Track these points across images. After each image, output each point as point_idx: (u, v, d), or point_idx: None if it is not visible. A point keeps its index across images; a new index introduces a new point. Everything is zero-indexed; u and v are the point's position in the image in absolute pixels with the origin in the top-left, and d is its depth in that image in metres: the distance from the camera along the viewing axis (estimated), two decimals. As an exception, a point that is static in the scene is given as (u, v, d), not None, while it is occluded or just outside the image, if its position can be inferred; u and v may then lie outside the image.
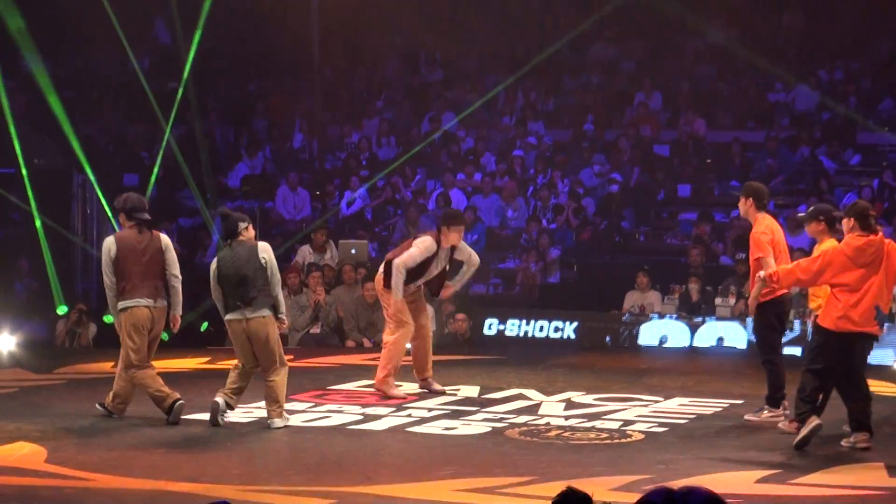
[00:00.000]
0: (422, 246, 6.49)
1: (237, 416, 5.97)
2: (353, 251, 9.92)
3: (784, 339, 6.52)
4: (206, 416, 5.77)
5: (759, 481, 4.76)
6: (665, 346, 9.31)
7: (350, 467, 4.96)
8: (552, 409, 6.29)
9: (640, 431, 5.67)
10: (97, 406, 5.97)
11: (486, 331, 9.71)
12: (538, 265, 10.63)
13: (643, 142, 12.17)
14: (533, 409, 6.26)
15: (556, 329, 9.62)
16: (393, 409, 6.26)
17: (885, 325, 6.60)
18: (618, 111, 12.82)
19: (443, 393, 6.62)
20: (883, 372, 7.38)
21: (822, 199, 9.92)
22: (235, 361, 5.86)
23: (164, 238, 6.00)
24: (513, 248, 11.23)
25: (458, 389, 6.85)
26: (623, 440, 5.51)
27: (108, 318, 6.10)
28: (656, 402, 6.53)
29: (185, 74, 10.47)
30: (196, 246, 10.92)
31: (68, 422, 5.89)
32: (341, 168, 12.48)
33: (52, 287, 9.35)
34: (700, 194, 11.59)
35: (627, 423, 5.90)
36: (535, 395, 6.71)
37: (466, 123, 12.77)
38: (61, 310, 9.20)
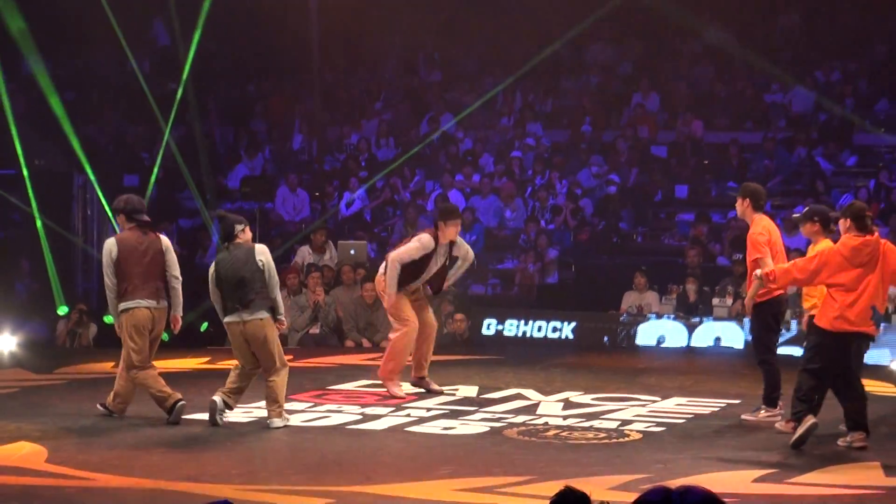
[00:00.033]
0: (419, 242, 6.51)
1: (237, 415, 5.98)
2: (352, 252, 9.95)
3: (781, 340, 6.57)
4: (206, 416, 5.79)
5: (756, 480, 4.77)
6: (663, 346, 9.35)
7: (349, 467, 4.97)
8: (550, 408, 6.31)
9: (637, 431, 5.69)
10: (98, 406, 5.99)
11: (484, 331, 9.74)
12: (536, 266, 10.67)
13: (641, 143, 12.21)
14: (531, 409, 6.27)
15: (555, 329, 9.65)
16: (392, 408, 6.28)
17: (882, 324, 6.63)
18: (615, 112, 12.86)
19: (440, 392, 6.63)
20: (880, 372, 7.42)
21: (818, 199, 9.97)
22: (236, 362, 5.88)
23: (165, 239, 6.02)
24: (511, 248, 11.26)
25: (456, 389, 6.87)
26: (621, 440, 5.53)
27: (108, 319, 6.13)
28: (654, 401, 6.55)
29: (185, 76, 10.49)
30: (196, 246, 10.96)
31: (69, 422, 5.91)
32: (340, 169, 12.51)
33: (52, 287, 9.38)
34: (697, 195, 11.63)
35: (625, 422, 5.91)
36: (533, 394, 6.73)
37: (465, 125, 12.81)
38: (62, 310, 9.23)
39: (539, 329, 9.69)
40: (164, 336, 6.09)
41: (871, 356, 6.28)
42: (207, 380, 6.73)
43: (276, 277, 5.76)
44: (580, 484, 2.13)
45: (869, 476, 4.84)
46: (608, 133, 12.49)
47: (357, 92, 13.77)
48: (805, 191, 11.03)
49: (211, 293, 5.79)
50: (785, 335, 7.05)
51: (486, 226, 11.42)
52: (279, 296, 5.77)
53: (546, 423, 5.89)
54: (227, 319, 5.73)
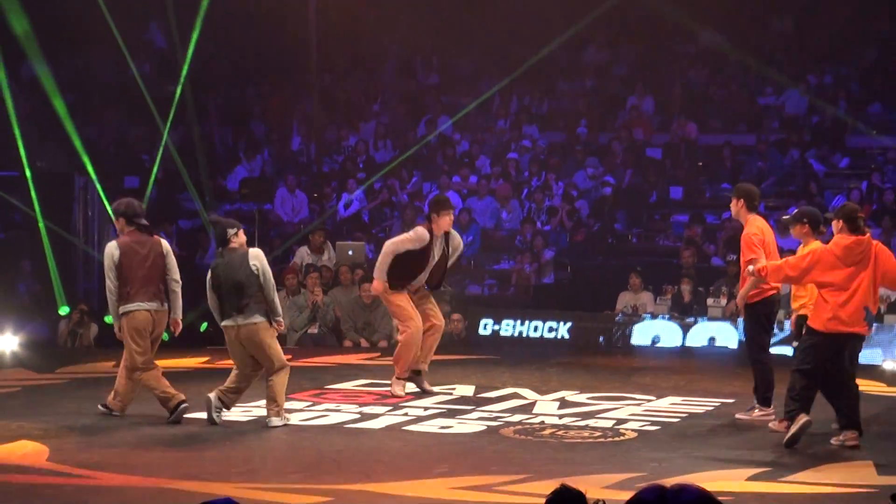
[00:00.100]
0: (414, 234, 6.56)
1: (236, 415, 6.02)
2: (350, 252, 10.00)
3: (774, 340, 6.63)
4: (205, 415, 5.82)
5: (749, 479, 4.79)
6: (658, 345, 9.41)
7: (348, 465, 5.00)
8: (546, 407, 6.35)
9: (632, 430, 5.73)
10: (99, 407, 6.03)
11: (481, 331, 9.80)
12: (532, 266, 10.73)
13: (636, 145, 12.28)
14: (527, 408, 6.32)
15: (551, 329, 9.71)
16: (390, 408, 6.32)
17: (873, 324, 6.70)
18: (611, 115, 12.93)
19: (432, 393, 6.66)
20: (872, 371, 7.48)
21: (811, 201, 10.04)
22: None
23: (165, 243, 6.08)
24: (507, 249, 11.32)
25: (453, 389, 6.92)
26: (616, 439, 5.56)
27: (108, 319, 6.18)
28: (649, 401, 6.60)
29: (183, 78, 10.53)
30: (195, 247, 11.00)
31: (70, 420, 5.94)
32: (339, 171, 12.57)
33: (54, 288, 9.41)
34: (692, 196, 11.70)
35: (620, 421, 5.96)
36: (529, 394, 6.78)
37: (462, 127, 12.88)
38: (63, 310, 9.27)
39: (535, 329, 9.75)
40: (164, 336, 6.14)
41: (863, 355, 6.32)
42: (207, 379, 6.76)
43: (272, 280, 5.78)
44: (576, 482, 2.14)
45: (861, 475, 4.88)
46: (603, 135, 12.56)
47: (355, 94, 13.83)
48: (798, 192, 11.10)
49: (209, 299, 5.85)
50: (778, 335, 7.11)
51: (483, 227, 11.48)
52: (276, 298, 5.80)
53: (542, 422, 5.93)
54: (223, 324, 5.79)
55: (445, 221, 6.55)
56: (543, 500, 2.08)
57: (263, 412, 5.90)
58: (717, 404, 6.50)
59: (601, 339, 9.60)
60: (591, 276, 10.67)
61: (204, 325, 8.81)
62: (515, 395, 6.72)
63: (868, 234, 5.44)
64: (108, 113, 12.46)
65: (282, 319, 5.87)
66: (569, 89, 13.40)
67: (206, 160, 11.22)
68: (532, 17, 12.39)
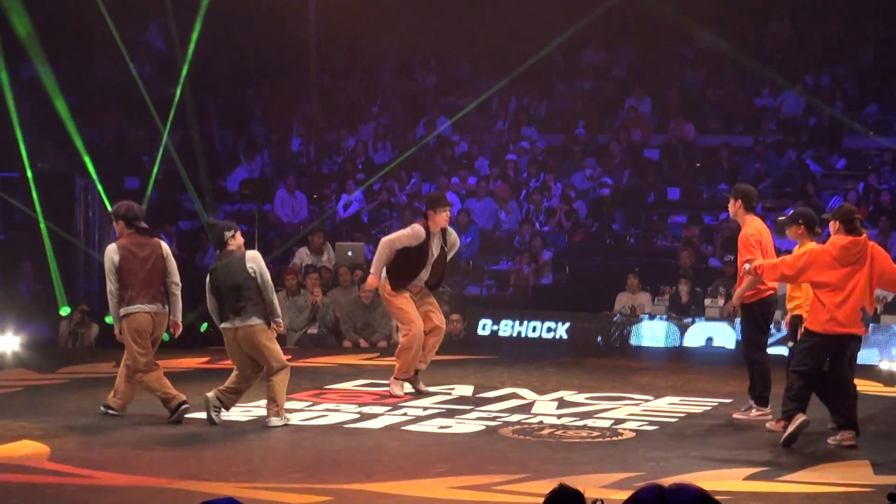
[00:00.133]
0: (411, 230, 6.60)
1: (237, 414, 6.05)
2: (349, 253, 10.03)
3: (771, 340, 6.65)
4: (205, 415, 5.85)
5: (747, 478, 4.81)
6: (655, 345, 9.45)
7: (347, 465, 5.02)
8: (545, 407, 6.38)
9: (631, 430, 5.76)
10: (101, 408, 6.05)
11: (480, 331, 9.84)
12: (531, 267, 10.76)
13: (634, 146, 12.32)
14: (526, 408, 6.35)
15: (549, 329, 9.75)
16: (389, 408, 6.35)
17: (871, 325, 6.73)
18: (609, 116, 12.98)
19: (427, 393, 6.69)
20: (868, 371, 7.51)
21: (808, 202, 10.08)
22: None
23: (165, 245, 6.11)
24: (506, 250, 11.36)
25: (452, 389, 6.95)
26: (614, 438, 5.59)
27: (109, 319, 6.20)
28: (647, 401, 6.63)
29: (182, 79, 10.55)
30: (195, 248, 11.03)
31: (71, 420, 5.97)
32: (338, 172, 12.61)
33: (55, 288, 9.44)
34: (689, 197, 11.74)
35: (619, 421, 5.98)
36: (528, 394, 6.81)
37: (460, 128, 12.92)
38: (64, 311, 9.29)
39: (534, 329, 9.78)
40: (165, 336, 6.17)
41: (860, 356, 6.36)
42: (207, 379, 6.79)
43: (270, 283, 5.79)
44: (574, 482, 2.15)
45: (858, 474, 4.90)
46: (602, 136, 12.60)
47: (354, 95, 13.87)
48: (795, 193, 11.14)
49: (208, 301, 5.88)
50: (776, 335, 7.14)
51: (482, 228, 11.51)
52: (275, 299, 5.81)
53: (541, 422, 5.95)
54: (221, 326, 5.83)
55: (442, 218, 6.58)
56: (542, 500, 2.09)
57: (264, 412, 5.93)
58: (714, 404, 6.53)
59: (599, 339, 9.64)
60: (589, 276, 10.71)
61: (204, 326, 8.83)
62: (514, 396, 6.75)
63: (864, 235, 5.47)
64: (109, 114, 12.49)
65: (281, 321, 5.89)
66: (567, 91, 13.44)
67: (207, 161, 11.25)
68: (530, 19, 12.44)
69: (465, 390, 6.93)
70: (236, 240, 5.84)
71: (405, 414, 6.18)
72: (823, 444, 5.41)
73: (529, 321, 9.80)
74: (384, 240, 6.63)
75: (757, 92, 12.77)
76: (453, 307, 9.47)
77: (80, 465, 5.01)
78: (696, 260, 10.28)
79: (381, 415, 6.15)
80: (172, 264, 6.02)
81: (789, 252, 6.39)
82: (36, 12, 9.99)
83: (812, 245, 5.60)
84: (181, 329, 6.12)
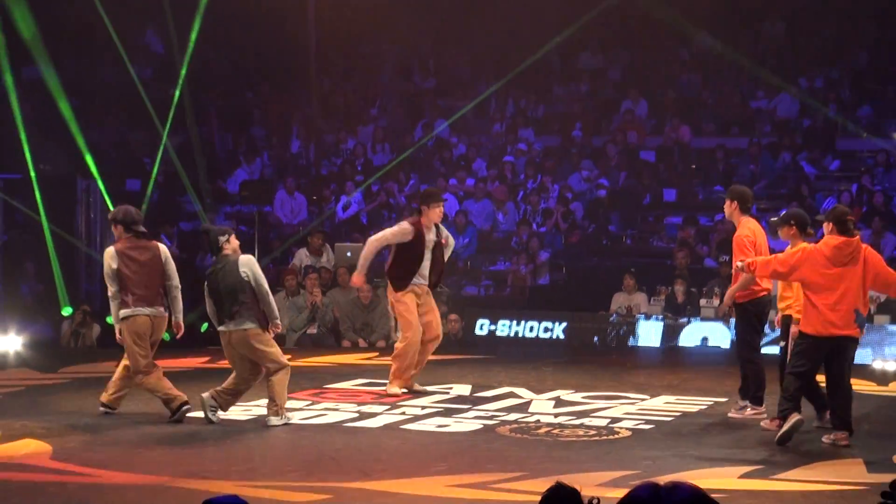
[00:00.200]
0: (398, 227, 6.66)
1: (237, 414, 6.10)
2: (348, 254, 10.08)
3: (765, 340, 6.71)
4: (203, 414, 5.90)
5: (742, 476, 4.82)
6: (651, 345, 9.51)
7: (346, 464, 5.06)
8: (542, 406, 6.43)
9: (627, 428, 5.81)
10: (100, 409, 6.10)
11: (477, 331, 9.89)
12: (528, 267, 10.82)
13: (630, 148, 12.39)
14: (523, 407, 6.39)
15: (546, 329, 9.81)
16: (388, 407, 6.40)
17: (865, 325, 6.79)
18: (605, 118, 13.05)
19: (424, 392, 6.74)
20: (862, 370, 7.57)
21: (803, 203, 10.15)
22: (237, 365, 6.01)
23: (164, 248, 6.15)
24: (503, 250, 11.42)
25: (450, 388, 7.01)
26: (611, 437, 5.63)
27: (110, 320, 6.26)
28: (643, 400, 6.68)
29: (181, 81, 10.59)
30: (196, 249, 11.08)
31: (73, 419, 6.01)
32: (337, 173, 12.66)
33: (57, 289, 9.48)
34: (685, 198, 11.81)
35: (615, 420, 6.03)
36: (525, 393, 6.86)
37: (458, 130, 12.98)
38: (66, 311, 9.33)
39: (531, 329, 9.84)
40: (165, 336, 6.21)
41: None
42: (207, 379, 6.82)
43: (265, 286, 5.81)
44: (571, 480, 2.15)
45: (852, 472, 4.95)
46: (598, 138, 12.67)
47: (353, 98, 13.92)
48: (790, 194, 11.21)
49: (207, 305, 5.94)
50: (770, 335, 7.19)
51: (479, 228, 11.57)
52: (272, 302, 5.82)
53: (538, 421, 6.00)
54: (218, 329, 5.89)
55: (436, 213, 6.64)
56: (539, 498, 2.09)
57: (264, 411, 5.97)
58: (709, 403, 6.59)
59: (596, 339, 9.70)
60: (585, 276, 10.77)
61: (204, 326, 8.88)
62: (511, 395, 6.80)
63: (857, 237, 5.51)
64: (110, 116, 12.53)
65: (279, 322, 5.92)
66: (564, 93, 13.51)
67: (207, 163, 11.31)
68: (528, 23, 12.51)
69: (463, 389, 6.98)
70: (231, 243, 5.88)
71: (404, 413, 6.22)
72: (818, 442, 5.46)
73: (526, 321, 9.86)
74: (370, 239, 6.73)
75: (752, 94, 12.85)
76: (451, 307, 9.52)
77: (81, 464, 5.05)
78: (691, 260, 10.34)
79: (380, 414, 6.20)
80: (172, 267, 6.06)
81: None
82: (38, 14, 10.03)
83: (805, 245, 5.64)
84: (183, 329, 6.17)
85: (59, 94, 9.77)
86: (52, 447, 5.36)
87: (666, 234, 11.33)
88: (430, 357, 7.04)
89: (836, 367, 5.41)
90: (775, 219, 6.01)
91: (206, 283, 5.89)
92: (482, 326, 9.92)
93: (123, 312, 5.94)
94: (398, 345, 6.71)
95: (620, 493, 1.98)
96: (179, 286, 6.07)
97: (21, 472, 4.97)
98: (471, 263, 11.21)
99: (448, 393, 6.86)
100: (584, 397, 6.74)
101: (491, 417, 6.10)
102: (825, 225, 5.54)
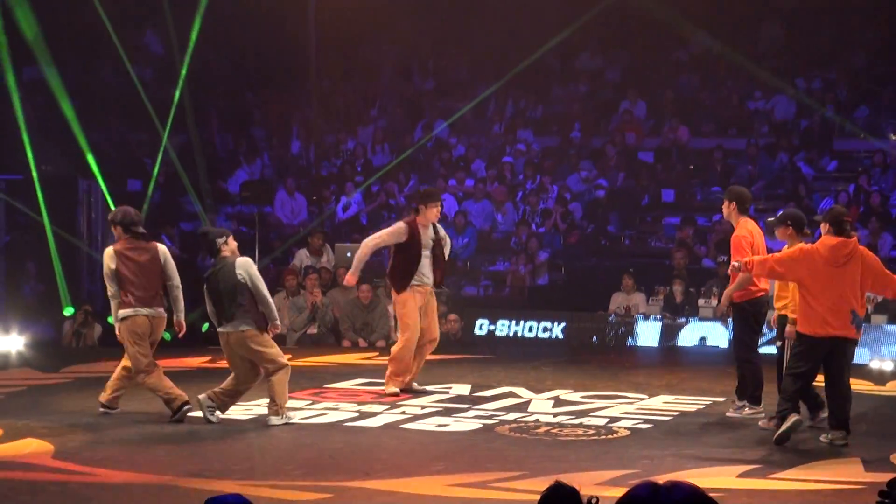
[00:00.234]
0: (393, 228, 6.72)
1: (238, 413, 6.13)
2: (348, 254, 10.10)
3: (763, 340, 6.74)
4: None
5: (740, 476, 4.84)
6: (650, 345, 9.54)
7: (346, 463, 5.08)
8: (541, 406, 6.46)
9: (625, 428, 5.84)
10: (99, 409, 6.13)
11: (476, 331, 9.92)
12: (527, 267, 10.86)
13: (628, 149, 12.44)
14: (522, 407, 6.42)
15: (545, 329, 9.84)
16: (387, 406, 6.43)
17: (862, 326, 6.83)
18: (604, 119, 13.09)
19: (423, 392, 6.78)
20: (859, 370, 7.60)
21: (800, 203, 10.19)
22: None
23: (162, 248, 6.16)
24: (503, 251, 11.46)
25: (450, 388, 7.04)
26: (609, 436, 5.66)
27: (112, 320, 6.29)
28: (641, 399, 6.72)
29: (181, 83, 10.61)
30: (197, 249, 11.10)
31: (75, 419, 6.04)
32: (337, 174, 12.70)
33: (59, 289, 9.50)
34: (683, 199, 11.85)
35: (613, 419, 6.06)
36: (524, 392, 6.90)
37: (458, 131, 13.02)
38: (68, 311, 9.35)
39: (530, 329, 9.87)
40: (166, 335, 6.24)
41: (851, 355, 6.44)
42: (208, 379, 6.85)
43: (262, 288, 5.81)
44: (570, 479, 2.16)
45: (849, 471, 4.97)
46: (597, 139, 12.72)
47: (353, 99, 13.96)
48: (787, 195, 11.25)
49: (207, 306, 5.97)
50: (767, 335, 7.22)
51: (479, 229, 11.61)
52: (270, 304, 5.83)
53: (537, 420, 6.03)
54: (218, 330, 5.92)
55: (433, 213, 6.67)
56: (538, 497, 2.09)
57: (265, 411, 6.00)
58: (708, 403, 6.62)
59: (594, 338, 9.73)
60: (584, 277, 10.81)
61: (205, 326, 8.91)
62: (511, 394, 6.83)
63: (854, 238, 5.55)
64: (111, 118, 12.56)
65: (279, 323, 5.93)
66: (563, 94, 13.56)
67: (208, 164, 11.34)
68: (527, 24, 12.55)
69: (463, 389, 7.02)
70: (229, 245, 5.90)
71: (403, 412, 6.25)
72: (815, 442, 5.48)
73: (526, 321, 9.89)
74: (365, 240, 6.77)
75: (749, 95, 12.89)
76: (450, 307, 9.56)
77: (83, 463, 5.08)
78: (689, 261, 10.38)
79: (380, 413, 6.23)
80: (171, 266, 6.08)
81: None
82: (40, 15, 10.05)
83: (802, 245, 5.66)
84: (185, 328, 6.20)
85: (61, 95, 9.79)
86: (54, 446, 5.39)
87: (664, 235, 11.37)
88: (430, 357, 7.08)
89: (834, 367, 5.44)
90: (772, 219, 6.04)
91: (205, 285, 5.92)
92: (481, 326, 9.96)
93: (122, 313, 5.97)
94: (395, 347, 6.74)
95: (619, 492, 1.99)
96: (180, 285, 6.10)
97: (23, 471, 4.99)
98: (470, 264, 11.25)
99: (448, 392, 6.90)
100: (582, 397, 6.77)
101: (490, 417, 6.13)
102: (822, 225, 5.57)
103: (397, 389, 6.73)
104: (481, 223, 11.71)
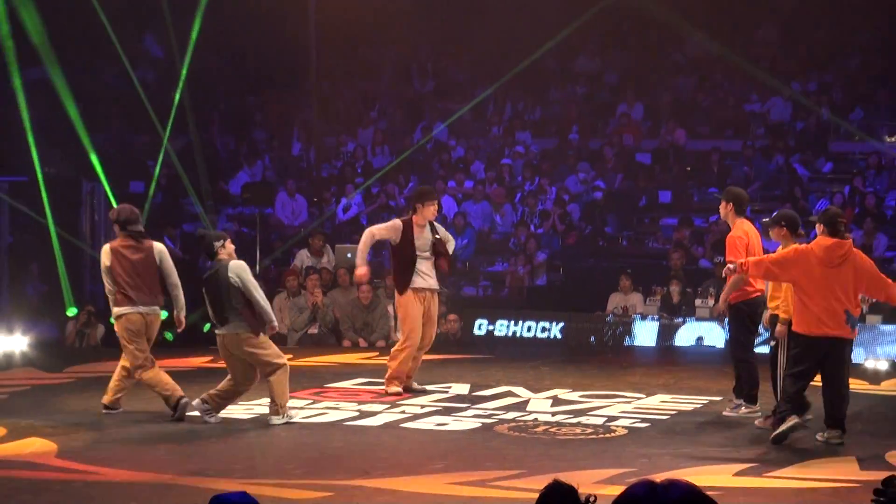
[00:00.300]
0: (389, 223, 6.84)
1: (239, 412, 6.17)
2: (348, 255, 10.16)
3: (759, 339, 6.79)
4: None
5: (736, 474, 4.86)
6: (647, 345, 9.60)
7: (346, 461, 5.12)
8: (540, 405, 6.51)
9: (623, 427, 5.88)
10: (102, 410, 6.17)
11: (476, 331, 9.96)
12: (526, 268, 10.92)
13: (626, 150, 12.50)
14: (521, 406, 6.46)
15: (543, 329, 9.89)
16: (387, 405, 6.48)
17: (857, 325, 6.88)
18: (601, 121, 13.16)
19: (423, 391, 6.83)
20: (854, 370, 7.61)
21: (796, 205, 10.25)
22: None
23: (158, 247, 6.18)
24: (502, 251, 11.52)
25: (449, 387, 7.09)
26: (607, 435, 5.70)
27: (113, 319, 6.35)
28: (639, 398, 6.76)
29: (181, 85, 10.66)
30: (198, 250, 11.14)
31: (78, 418, 6.09)
32: (337, 175, 12.75)
33: (62, 289, 9.54)
34: (680, 200, 11.92)
35: (611, 419, 6.10)
36: (523, 392, 6.94)
37: (457, 133, 13.08)
38: (71, 311, 9.39)
39: (528, 329, 9.92)
40: (169, 336, 6.29)
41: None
42: (209, 379, 6.88)
43: (255, 292, 5.83)
44: (568, 477, 2.15)
45: (845, 470, 5.00)
46: (594, 141, 12.78)
47: (353, 101, 14.01)
48: (783, 196, 11.32)
49: (207, 307, 6.02)
50: (763, 334, 7.28)
51: (478, 230, 11.67)
52: (263, 306, 5.85)
53: (535, 420, 6.07)
54: (215, 332, 5.97)
55: (430, 211, 6.73)
56: (537, 495, 2.10)
57: (265, 410, 6.04)
58: (704, 402, 6.67)
59: (592, 338, 9.78)
60: (582, 277, 10.86)
61: (207, 326, 8.97)
62: (509, 394, 6.87)
63: (849, 239, 5.59)
64: (114, 120, 12.60)
65: (275, 324, 5.95)
66: (561, 97, 13.62)
67: (210, 166, 11.38)
68: (525, 26, 12.61)
69: (462, 388, 7.06)
70: (227, 248, 5.93)
71: (403, 412, 6.29)
72: (811, 440, 5.52)
73: (524, 321, 9.94)
74: (365, 231, 6.84)
75: (746, 98, 12.96)
76: (450, 307, 9.60)
77: (86, 462, 5.11)
78: (686, 261, 10.44)
79: (380, 412, 6.27)
80: (168, 265, 6.11)
81: (777, 254, 6.49)
82: (45, 17, 10.08)
83: (797, 246, 5.70)
84: (184, 324, 6.23)
85: (66, 97, 9.83)
86: (58, 445, 5.42)
87: (661, 236, 11.43)
88: (430, 357, 7.14)
89: (830, 367, 5.48)
90: (766, 220, 6.08)
91: (203, 287, 5.97)
92: (480, 326, 10.00)
93: (116, 310, 6.03)
94: (396, 348, 6.79)
95: (617, 490, 2.00)
96: (178, 283, 6.12)
97: (27, 470, 5.02)
98: (469, 264, 11.30)
99: (447, 392, 6.94)
100: (580, 396, 6.82)
101: (489, 416, 6.17)
102: (817, 226, 5.60)
103: (399, 389, 6.78)
104: (480, 224, 11.77)
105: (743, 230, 6.13)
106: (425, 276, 6.73)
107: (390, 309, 9.03)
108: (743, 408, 6.20)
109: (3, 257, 10.69)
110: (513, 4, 13.01)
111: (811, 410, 5.67)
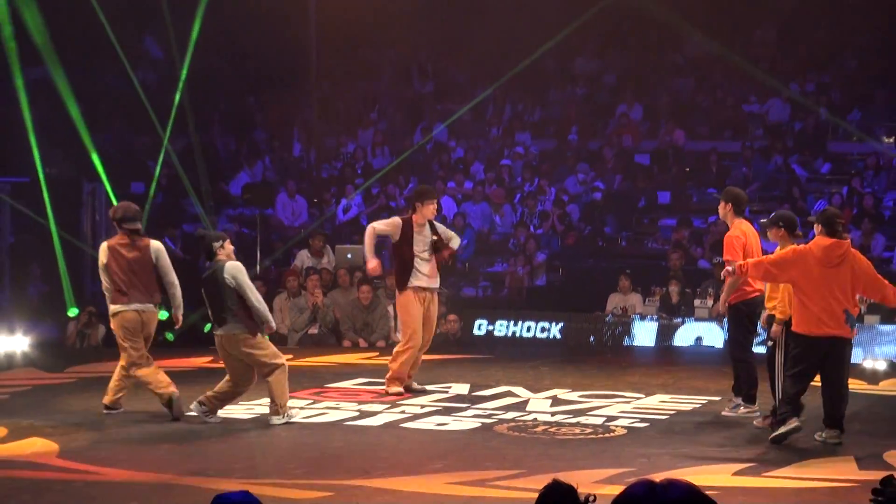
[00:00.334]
0: (389, 220, 6.93)
1: (240, 412, 6.19)
2: (349, 256, 10.19)
3: (757, 340, 6.81)
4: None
5: (735, 474, 4.88)
6: (646, 345, 9.62)
7: (347, 461, 5.14)
8: (539, 405, 6.53)
9: (622, 427, 5.90)
10: (103, 410, 6.20)
11: (475, 331, 9.99)
12: (525, 269, 10.94)
13: (625, 151, 12.53)
14: (521, 406, 6.49)
15: (543, 329, 9.92)
16: (387, 405, 6.50)
17: (855, 325, 6.90)
18: (601, 122, 13.19)
19: (423, 391, 6.85)
20: (853, 369, 7.63)
21: (794, 205, 10.28)
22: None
23: (155, 245, 6.18)
24: (501, 252, 11.54)
25: (449, 387, 7.11)
26: (606, 435, 5.72)
27: (113, 317, 6.37)
28: (638, 398, 6.78)
29: (181, 86, 10.68)
30: (198, 251, 11.16)
31: (79, 418, 6.11)
32: (337, 176, 12.78)
33: (63, 290, 9.56)
34: (679, 201, 11.94)
35: (611, 418, 6.13)
36: (522, 392, 6.96)
37: (456, 134, 13.10)
38: (72, 312, 9.41)
39: (528, 329, 9.94)
40: (170, 336, 6.31)
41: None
42: (209, 379, 6.90)
43: (250, 293, 5.83)
44: (568, 477, 2.16)
45: (843, 469, 5.03)
46: (594, 142, 12.81)
47: (353, 102, 14.04)
48: (782, 197, 11.34)
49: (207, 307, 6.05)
50: (762, 334, 7.31)
51: (478, 230, 11.69)
52: (258, 308, 5.84)
53: (535, 420, 6.09)
54: (213, 332, 6.00)
55: (429, 210, 6.76)
56: (536, 495, 2.11)
57: (265, 410, 6.07)
58: (703, 402, 6.69)
59: (592, 339, 9.81)
60: (581, 278, 10.88)
61: (207, 326, 8.98)
62: (509, 394, 6.90)
63: (848, 240, 5.61)
64: (115, 121, 12.62)
65: (272, 323, 5.96)
66: (560, 98, 13.65)
67: (210, 166, 11.39)
68: (524, 27, 12.63)
69: (462, 389, 7.08)
70: (226, 249, 5.94)
71: (403, 412, 6.31)
72: (809, 440, 5.54)
73: (524, 321, 9.96)
74: (369, 226, 6.90)
75: (744, 99, 12.99)
76: (450, 307, 9.63)
77: (87, 462, 5.13)
78: (685, 262, 10.47)
79: (380, 412, 6.29)
80: (165, 263, 6.12)
81: (774, 255, 6.51)
82: (47, 18, 10.10)
83: (795, 246, 5.73)
84: (181, 322, 6.25)
85: (68, 97, 9.84)
86: (59, 445, 5.44)
87: (660, 236, 11.46)
88: (430, 357, 7.17)
89: (830, 367, 5.50)
90: (764, 221, 6.10)
91: (202, 288, 5.99)
92: (480, 327, 10.03)
93: (112, 308, 6.05)
94: (398, 349, 6.81)
95: (616, 490, 2.01)
96: (175, 282, 6.14)
97: (28, 470, 5.04)
98: (469, 265, 11.33)
99: (447, 392, 6.96)
100: (580, 396, 6.84)
101: (489, 416, 6.19)
102: (815, 226, 5.62)
103: (400, 389, 6.81)
104: (480, 225, 11.79)
105: (741, 230, 6.15)
106: (425, 276, 6.76)
107: (390, 309, 9.06)
108: (742, 408, 6.22)
109: (5, 258, 10.72)
110: (512, 5, 13.03)
111: (805, 412, 5.69)
